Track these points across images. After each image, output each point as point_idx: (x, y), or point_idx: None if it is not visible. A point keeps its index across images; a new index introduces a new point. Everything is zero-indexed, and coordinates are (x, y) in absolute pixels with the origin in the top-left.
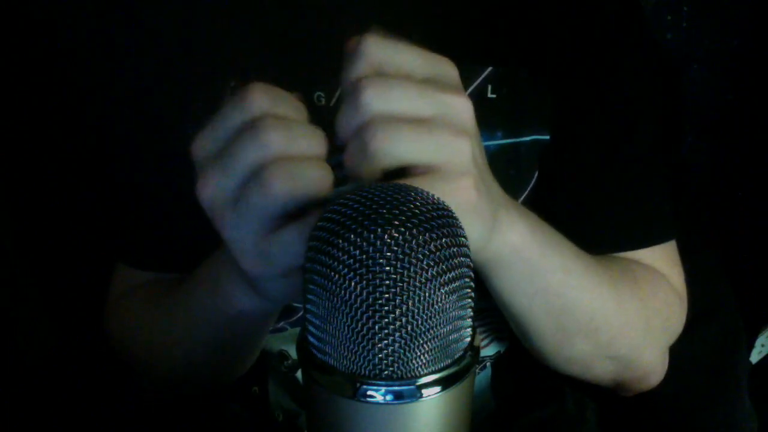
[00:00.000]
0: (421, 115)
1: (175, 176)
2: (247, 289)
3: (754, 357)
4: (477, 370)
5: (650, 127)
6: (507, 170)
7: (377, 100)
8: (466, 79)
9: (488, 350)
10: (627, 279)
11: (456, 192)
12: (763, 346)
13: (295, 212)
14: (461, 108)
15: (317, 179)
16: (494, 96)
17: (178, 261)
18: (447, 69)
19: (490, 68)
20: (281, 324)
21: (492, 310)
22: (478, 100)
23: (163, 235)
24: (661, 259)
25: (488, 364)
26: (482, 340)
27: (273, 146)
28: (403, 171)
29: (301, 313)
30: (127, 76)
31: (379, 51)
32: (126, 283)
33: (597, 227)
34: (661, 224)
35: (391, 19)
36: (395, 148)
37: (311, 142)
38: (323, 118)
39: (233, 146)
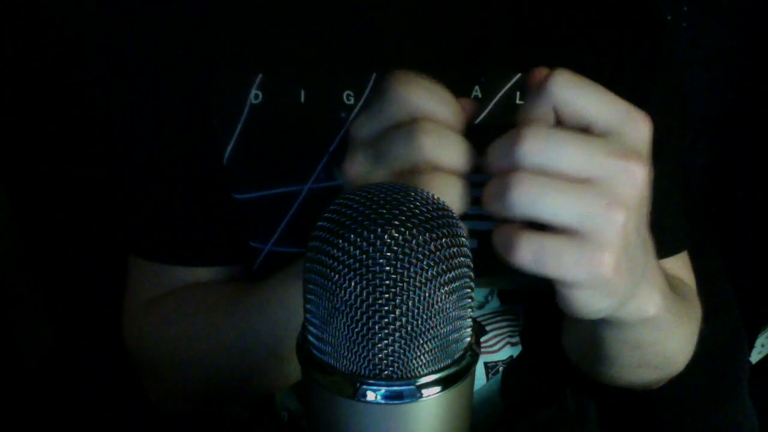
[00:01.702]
0: (579, 175)
1: (200, 167)
2: None
3: (754, 357)
4: (490, 375)
5: (676, 141)
6: None
7: (532, 154)
8: (494, 85)
9: (501, 354)
10: (689, 307)
11: (590, 264)
12: (763, 346)
13: None
14: (631, 176)
15: (456, 195)
16: (522, 102)
17: (198, 254)
18: (637, 126)
19: (518, 74)
20: None
21: (506, 313)
22: (507, 105)
23: (182, 226)
24: (684, 267)
25: (501, 368)
26: (497, 344)
27: (425, 151)
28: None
29: None
30: (149, 68)
31: (565, 91)
32: (151, 285)
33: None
34: (682, 233)
35: (424, 22)
36: (534, 204)
37: (460, 156)
38: (474, 131)
39: (387, 140)
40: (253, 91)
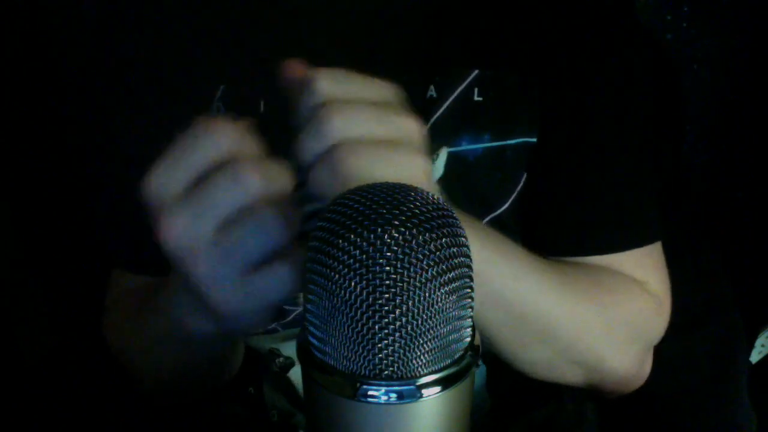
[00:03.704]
0: (381, 137)
1: None
2: (205, 320)
3: (754, 357)
4: None
5: (638, 130)
6: (494, 173)
7: (342, 125)
8: (452, 82)
9: (482, 347)
10: (586, 285)
11: None
12: (763, 346)
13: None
14: (414, 128)
15: (298, 213)
16: (481, 99)
17: (165, 264)
18: (393, 93)
19: (476, 71)
20: (273, 326)
21: None
22: (465, 102)
23: (149, 237)
24: (640, 264)
25: (480, 361)
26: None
27: (253, 189)
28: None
29: (292, 316)
30: (119, 82)
31: (332, 83)
32: (121, 288)
33: (576, 230)
34: (642, 228)
35: (377, 21)
36: (364, 169)
37: (284, 178)
38: (264, 125)
39: (207, 186)
40: (215, 104)
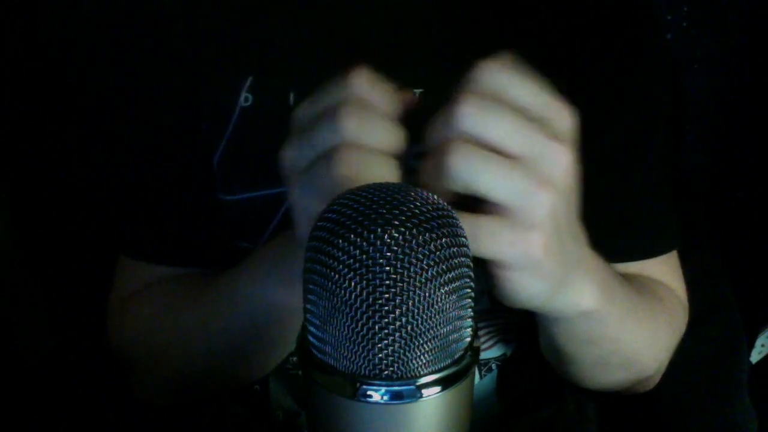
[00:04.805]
0: (513, 151)
1: (188, 168)
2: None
3: (754, 357)
4: (483, 373)
5: (659, 138)
6: None
7: (470, 118)
8: None
9: (494, 351)
10: (652, 303)
11: (520, 244)
12: (763, 346)
13: None
14: (560, 159)
15: (381, 175)
16: None
17: (187, 254)
18: (564, 116)
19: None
20: None
21: (499, 312)
22: None
23: (172, 227)
24: (668, 270)
25: (493, 366)
26: (488, 341)
27: (345, 132)
28: (477, 201)
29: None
30: (138, 66)
31: (495, 80)
32: (136, 281)
33: (606, 237)
34: (668, 234)
35: (401, 25)
36: (470, 174)
37: (385, 137)
38: (419, 116)
39: (316, 123)
40: (243, 94)
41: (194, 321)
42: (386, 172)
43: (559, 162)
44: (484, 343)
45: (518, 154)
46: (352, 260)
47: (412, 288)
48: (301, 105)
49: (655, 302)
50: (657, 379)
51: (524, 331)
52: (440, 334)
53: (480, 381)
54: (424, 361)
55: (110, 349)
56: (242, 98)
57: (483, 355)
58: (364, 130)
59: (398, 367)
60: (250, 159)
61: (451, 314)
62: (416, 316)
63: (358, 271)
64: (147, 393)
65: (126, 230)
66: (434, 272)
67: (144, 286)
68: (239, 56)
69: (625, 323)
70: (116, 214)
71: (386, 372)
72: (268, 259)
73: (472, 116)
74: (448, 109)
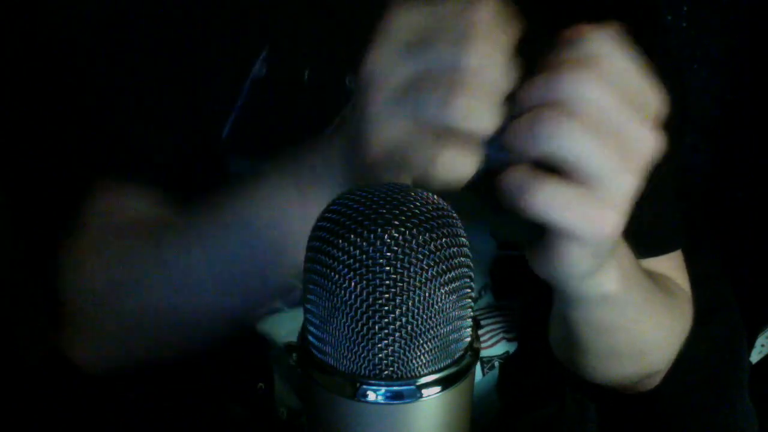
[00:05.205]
0: (610, 127)
1: (194, 136)
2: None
3: (754, 357)
4: (486, 370)
5: (672, 142)
6: None
7: (583, 84)
8: None
9: (496, 349)
10: (671, 302)
11: (598, 220)
12: (763, 346)
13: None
14: (648, 144)
15: (486, 128)
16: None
17: (179, 175)
18: (656, 101)
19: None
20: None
21: (502, 309)
22: None
23: (156, 143)
24: (675, 267)
25: (496, 364)
26: (491, 338)
27: (473, 59)
28: (552, 170)
29: (297, 293)
30: (149, 34)
31: (602, 49)
32: (124, 210)
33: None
34: (677, 231)
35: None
36: (567, 141)
37: (503, 79)
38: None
39: (437, 38)
40: (258, 65)
41: (179, 253)
42: (489, 125)
43: (647, 147)
44: (487, 340)
45: (615, 131)
46: (352, 260)
47: (412, 288)
48: (408, 11)
49: (668, 297)
50: (659, 377)
51: (527, 330)
52: (440, 334)
53: (482, 378)
54: (424, 361)
55: (58, 300)
56: (256, 69)
57: (486, 353)
58: (491, 61)
59: (398, 367)
60: (259, 131)
61: (451, 314)
62: (416, 316)
63: (358, 271)
64: (85, 353)
65: (111, 147)
66: (434, 272)
67: (126, 222)
68: (257, 26)
69: (642, 313)
70: (102, 134)
71: (386, 372)
72: (300, 176)
73: (579, 85)
74: (551, 73)
